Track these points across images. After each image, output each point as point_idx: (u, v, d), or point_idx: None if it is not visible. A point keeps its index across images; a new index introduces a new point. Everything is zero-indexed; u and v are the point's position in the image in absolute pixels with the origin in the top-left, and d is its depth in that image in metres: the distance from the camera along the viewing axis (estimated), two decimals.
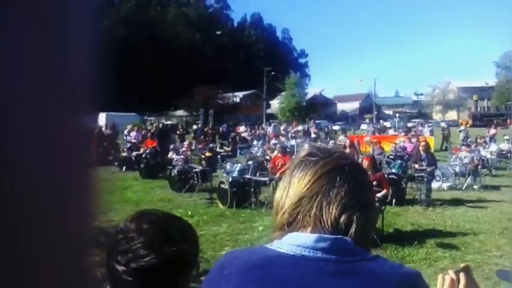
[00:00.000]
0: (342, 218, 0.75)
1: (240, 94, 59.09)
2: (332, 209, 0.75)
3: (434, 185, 10.13)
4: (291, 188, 0.80)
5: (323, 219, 0.75)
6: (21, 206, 0.23)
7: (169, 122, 36.45)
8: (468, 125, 30.11)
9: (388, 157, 12.72)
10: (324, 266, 0.70)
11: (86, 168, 0.27)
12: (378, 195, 6.73)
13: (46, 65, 0.25)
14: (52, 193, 0.25)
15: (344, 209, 0.75)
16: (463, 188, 10.53)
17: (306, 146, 0.89)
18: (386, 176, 8.31)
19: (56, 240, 0.26)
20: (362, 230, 0.76)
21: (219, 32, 64.64)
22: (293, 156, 0.93)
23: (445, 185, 10.75)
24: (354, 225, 0.75)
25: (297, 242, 0.73)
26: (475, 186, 10.61)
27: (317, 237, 0.73)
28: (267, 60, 68.98)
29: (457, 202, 9.10)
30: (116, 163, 14.78)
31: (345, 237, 0.73)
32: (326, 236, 0.73)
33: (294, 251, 0.72)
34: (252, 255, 0.76)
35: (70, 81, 0.27)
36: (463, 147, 14.02)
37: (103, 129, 18.50)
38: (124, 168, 14.04)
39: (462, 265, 1.23)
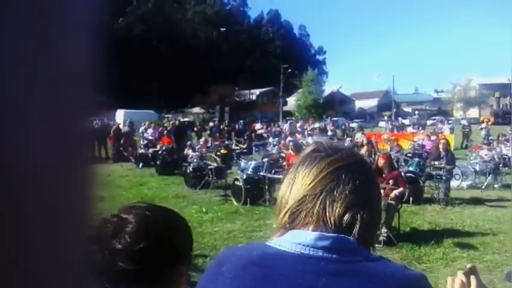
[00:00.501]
0: (346, 216, 0.72)
1: (257, 91, 59.06)
2: (336, 208, 0.72)
3: (454, 183, 9.91)
4: (294, 184, 0.78)
5: (326, 218, 0.72)
6: (21, 204, 0.23)
7: (186, 119, 36.70)
8: (490, 123, 29.43)
9: (406, 155, 12.51)
10: (324, 266, 0.68)
11: (87, 167, 0.28)
12: (395, 192, 6.63)
13: (55, 62, 0.25)
14: (53, 191, 0.25)
15: (348, 207, 0.72)
16: (483, 187, 10.27)
17: (318, 139, 0.87)
18: (403, 174, 8.17)
19: (52, 240, 0.25)
20: (366, 230, 0.73)
21: (223, 29, 64.64)
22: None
23: (465, 184, 10.52)
24: (358, 225, 0.72)
25: (298, 239, 0.71)
26: (495, 185, 10.34)
27: (318, 235, 0.70)
28: (284, 57, 68.70)
29: (476, 201, 8.89)
30: (133, 160, 14.99)
31: (347, 237, 0.71)
32: (327, 234, 0.70)
33: (294, 249, 0.70)
34: (250, 252, 0.74)
35: (81, 79, 0.27)
36: (484, 145, 13.69)
37: (121, 126, 18.77)
38: (141, 164, 14.22)
39: (468, 266, 1.19)
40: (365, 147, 12.13)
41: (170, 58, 65.32)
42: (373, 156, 10.51)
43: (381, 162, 7.13)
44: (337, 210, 0.72)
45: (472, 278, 1.09)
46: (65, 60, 0.26)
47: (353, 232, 0.71)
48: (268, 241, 0.75)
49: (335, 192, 0.73)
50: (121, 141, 16.53)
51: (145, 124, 18.37)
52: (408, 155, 12.64)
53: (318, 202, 0.73)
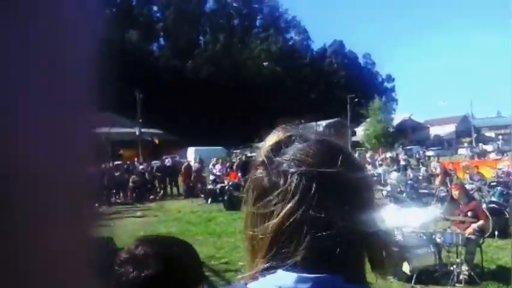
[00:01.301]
0: (324, 251, 0.63)
1: (323, 123, 58.61)
2: (312, 241, 0.63)
3: None
4: (260, 220, 0.67)
5: (306, 254, 0.63)
6: (22, 209, 0.24)
7: (253, 154, 37.21)
8: None
9: (489, 184, 11.48)
10: None
11: (89, 173, 0.28)
12: (474, 226, 6.08)
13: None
14: (54, 196, 0.26)
15: (324, 239, 0.62)
16: None
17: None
18: (485, 205, 7.48)
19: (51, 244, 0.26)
20: (355, 262, 0.65)
21: (266, 63, 66.07)
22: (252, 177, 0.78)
23: None
24: (345, 258, 0.63)
25: (279, 282, 0.63)
26: None
27: (298, 277, 0.62)
28: (349, 87, 68.08)
29: None
30: (202, 195, 15.47)
31: (331, 275, 0.62)
32: (307, 275, 0.62)
33: None
34: None
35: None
36: None
37: (191, 163, 19.62)
38: (210, 200, 14.61)
39: None
40: (440, 177, 11.39)
41: (237, 96, 67.82)
42: (448, 186, 9.79)
43: (455, 193, 6.63)
44: (313, 244, 0.63)
45: None
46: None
47: (341, 267, 0.62)
48: (250, 284, 0.67)
49: (313, 222, 0.63)
50: (192, 178, 17.22)
51: (213, 160, 19.02)
52: (492, 183, 11.60)
53: (295, 237, 0.64)
